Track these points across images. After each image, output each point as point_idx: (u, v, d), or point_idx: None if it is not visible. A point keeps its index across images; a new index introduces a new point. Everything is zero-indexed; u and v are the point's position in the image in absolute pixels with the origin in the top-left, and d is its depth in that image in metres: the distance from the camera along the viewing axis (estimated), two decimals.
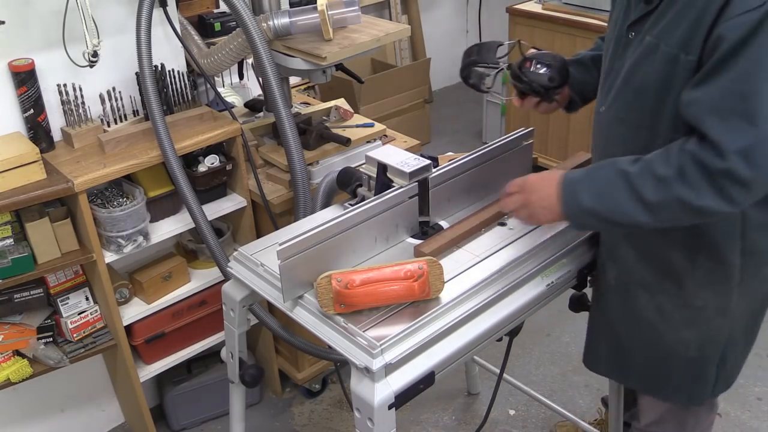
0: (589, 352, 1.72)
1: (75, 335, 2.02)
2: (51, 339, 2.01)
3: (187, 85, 2.17)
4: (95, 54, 1.90)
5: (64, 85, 1.96)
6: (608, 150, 1.46)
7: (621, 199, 1.29)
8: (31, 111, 1.91)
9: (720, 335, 1.49)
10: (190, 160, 2.13)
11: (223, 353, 1.80)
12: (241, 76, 2.47)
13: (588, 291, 1.72)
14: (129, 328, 2.11)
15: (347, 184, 1.79)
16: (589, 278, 1.68)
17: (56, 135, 2.02)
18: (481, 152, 1.73)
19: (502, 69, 1.65)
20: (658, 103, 1.33)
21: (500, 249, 1.59)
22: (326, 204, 1.91)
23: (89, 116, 2.03)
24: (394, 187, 1.60)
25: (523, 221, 1.52)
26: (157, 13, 2.02)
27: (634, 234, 1.48)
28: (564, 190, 1.37)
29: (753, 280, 1.45)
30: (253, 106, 2.49)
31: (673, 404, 1.64)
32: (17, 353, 1.97)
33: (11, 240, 1.84)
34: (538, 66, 1.61)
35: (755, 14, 1.16)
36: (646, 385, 1.64)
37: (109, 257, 1.98)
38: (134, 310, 2.12)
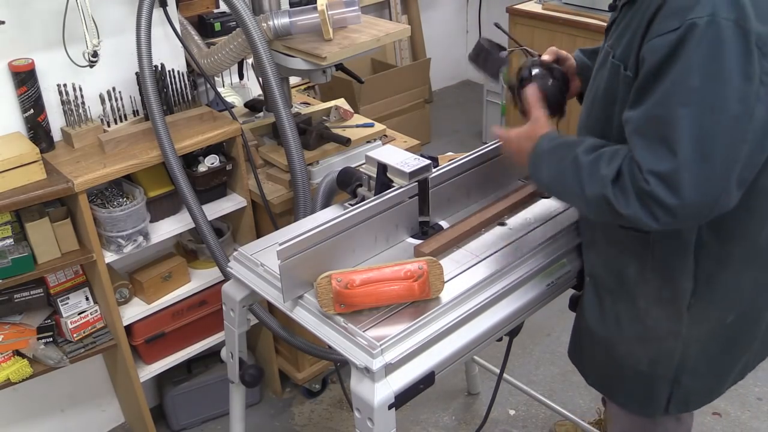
0: (571, 343, 1.72)
1: (75, 335, 2.02)
2: (51, 339, 2.01)
3: (187, 85, 2.17)
4: (95, 54, 1.90)
5: (64, 85, 1.96)
6: None
7: (569, 185, 1.31)
8: (31, 111, 1.91)
9: (671, 355, 1.45)
10: (190, 160, 2.13)
11: (223, 353, 1.80)
12: (241, 76, 2.47)
13: None
14: (129, 328, 2.11)
15: (347, 184, 1.79)
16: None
17: (56, 135, 2.02)
18: (481, 152, 1.73)
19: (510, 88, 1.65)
20: (606, 113, 1.33)
21: (500, 249, 1.59)
22: (326, 204, 1.91)
23: (89, 116, 2.03)
24: (394, 187, 1.60)
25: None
26: (157, 13, 2.02)
27: (599, 241, 1.48)
28: (531, 159, 1.41)
29: (707, 307, 1.40)
30: (253, 106, 2.49)
31: (626, 412, 1.61)
32: (17, 353, 1.97)
33: (11, 240, 1.84)
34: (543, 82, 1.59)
35: (672, 36, 1.13)
36: (602, 386, 1.64)
37: (109, 257, 1.98)
38: (134, 310, 2.12)
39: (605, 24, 1.46)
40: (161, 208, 2.12)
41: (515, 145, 1.48)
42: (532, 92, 1.50)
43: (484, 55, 1.68)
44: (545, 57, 1.63)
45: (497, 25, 1.86)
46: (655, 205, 1.17)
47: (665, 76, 1.15)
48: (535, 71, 1.59)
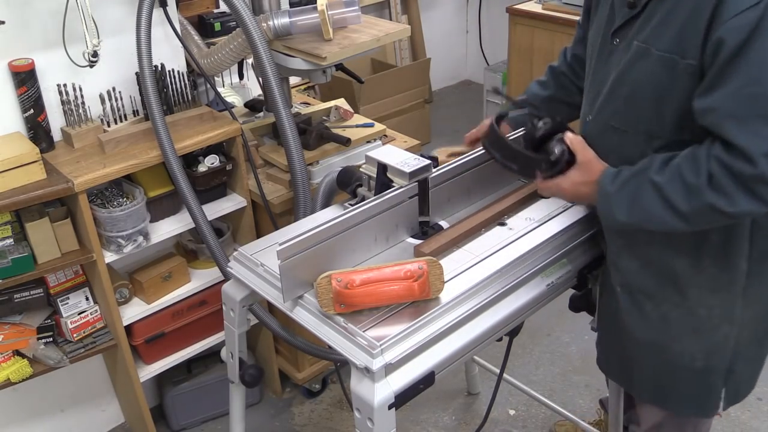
0: (601, 354, 1.70)
1: (75, 335, 2.02)
2: (51, 339, 2.01)
3: (187, 85, 2.17)
4: (95, 54, 1.90)
5: (64, 85, 1.96)
6: (601, 157, 1.44)
7: (656, 212, 1.29)
8: (31, 111, 1.91)
9: (726, 344, 1.46)
10: (190, 160, 2.13)
11: (223, 353, 1.80)
12: (241, 76, 2.47)
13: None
14: (129, 328, 2.11)
15: (347, 184, 1.79)
16: (589, 277, 1.67)
17: (56, 135, 2.02)
18: (481, 152, 1.73)
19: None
20: (655, 109, 1.31)
21: (500, 249, 1.58)
22: (326, 204, 1.91)
23: (89, 116, 2.03)
24: (394, 187, 1.60)
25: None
26: (157, 13, 2.02)
27: (635, 243, 1.46)
28: (601, 205, 1.39)
29: (759, 286, 1.43)
30: (253, 106, 2.49)
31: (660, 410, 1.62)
32: (17, 353, 1.97)
33: (11, 240, 1.84)
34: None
35: (753, 13, 1.13)
36: (653, 395, 1.61)
37: (109, 257, 1.98)
38: (134, 310, 2.12)
39: None
40: (161, 208, 2.12)
41: (571, 193, 1.47)
42: (573, 137, 1.45)
43: (521, 160, 1.52)
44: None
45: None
46: (763, 187, 1.17)
47: (750, 53, 1.14)
48: (558, 149, 1.47)
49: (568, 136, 1.46)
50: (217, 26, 2.41)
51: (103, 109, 2.06)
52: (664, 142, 1.33)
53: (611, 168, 1.39)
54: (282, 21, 2.05)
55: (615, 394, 1.87)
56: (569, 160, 1.46)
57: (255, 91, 2.62)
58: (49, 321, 2.02)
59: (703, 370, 1.49)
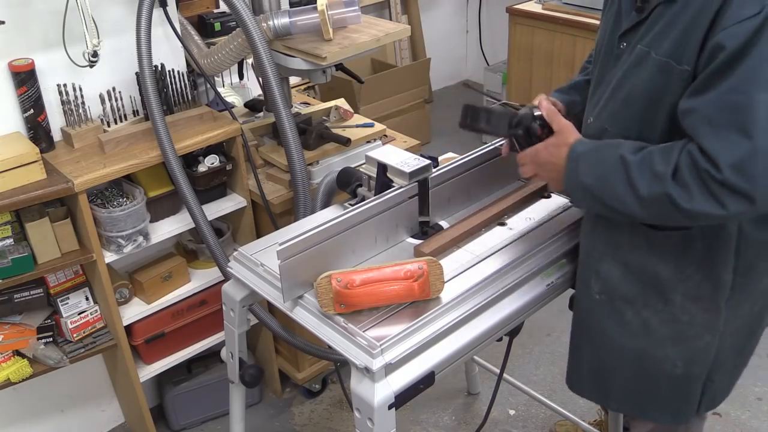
0: (571, 372, 1.67)
1: (75, 335, 2.02)
2: (51, 339, 2.01)
3: (187, 85, 2.17)
4: (95, 54, 1.90)
5: (64, 85, 1.96)
6: None
7: (617, 186, 1.27)
8: (31, 111, 1.91)
9: (707, 352, 1.45)
10: (190, 160, 2.13)
11: (223, 353, 1.80)
12: (241, 76, 2.47)
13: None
14: (129, 328, 2.11)
15: (347, 184, 1.79)
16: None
17: (56, 135, 2.02)
18: (481, 152, 1.73)
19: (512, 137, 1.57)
20: (648, 113, 1.31)
21: (500, 249, 1.59)
22: (326, 204, 1.91)
23: (89, 116, 2.04)
24: (394, 187, 1.60)
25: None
26: (157, 13, 2.02)
27: (618, 249, 1.45)
28: (568, 164, 1.36)
29: (744, 300, 1.41)
30: (253, 106, 2.49)
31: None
32: (17, 353, 1.97)
33: (11, 240, 1.84)
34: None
35: (752, 22, 1.13)
36: (628, 406, 1.60)
37: (109, 257, 1.98)
38: (134, 310, 2.12)
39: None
40: (161, 208, 2.12)
41: (544, 155, 1.43)
42: (546, 105, 1.47)
43: (486, 116, 1.59)
44: (537, 102, 1.57)
45: (467, 83, 1.79)
46: (726, 193, 1.16)
47: (743, 62, 1.14)
48: (537, 113, 1.51)
49: (543, 106, 1.48)
50: (217, 26, 2.41)
51: (103, 109, 2.06)
52: None
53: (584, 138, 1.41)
54: (282, 21, 2.05)
55: None
56: (545, 132, 1.47)
57: (255, 91, 2.62)
58: (49, 321, 2.02)
59: (682, 378, 1.47)
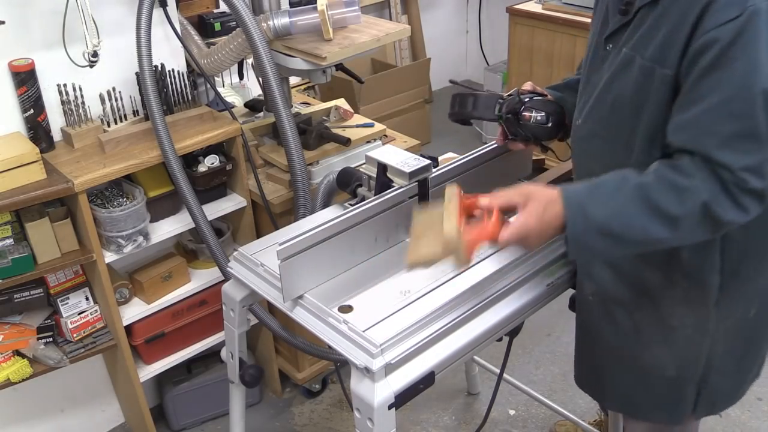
0: (576, 369, 1.68)
1: (75, 335, 2.02)
2: (51, 339, 2.01)
3: (187, 85, 2.17)
4: (95, 54, 1.90)
5: (64, 85, 1.96)
6: (585, 163, 1.42)
7: (637, 214, 1.19)
8: (31, 111, 1.91)
9: (699, 355, 1.44)
10: (190, 160, 2.13)
11: (223, 353, 1.80)
12: (241, 76, 2.47)
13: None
14: (129, 328, 2.11)
15: (347, 184, 1.79)
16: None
17: (56, 135, 2.02)
18: (481, 152, 1.73)
19: (501, 119, 1.58)
20: (633, 118, 1.29)
21: (500, 249, 1.58)
22: (326, 204, 1.91)
23: (89, 116, 2.04)
24: (394, 187, 1.60)
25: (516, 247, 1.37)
26: (157, 13, 2.02)
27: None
28: (569, 208, 1.24)
29: (732, 300, 1.40)
30: (253, 106, 2.49)
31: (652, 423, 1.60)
32: (17, 353, 1.97)
33: (11, 240, 1.84)
34: (538, 117, 1.54)
35: (732, 25, 1.11)
36: (622, 405, 1.60)
37: (109, 257, 1.98)
38: (134, 310, 2.12)
39: None
40: (161, 208, 2.12)
41: (534, 226, 1.25)
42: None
43: (473, 100, 1.60)
44: (526, 87, 1.59)
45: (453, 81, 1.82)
46: (749, 199, 1.16)
47: (730, 66, 1.12)
48: (527, 98, 1.53)
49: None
50: (217, 26, 2.41)
51: (103, 109, 2.06)
52: (636, 156, 1.30)
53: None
54: (282, 21, 2.05)
55: None
56: (532, 114, 1.48)
57: (255, 91, 2.62)
58: (49, 321, 2.02)
59: (674, 379, 1.47)
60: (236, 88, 2.61)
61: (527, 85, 1.61)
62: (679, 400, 1.50)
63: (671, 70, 1.21)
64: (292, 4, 2.29)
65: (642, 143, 1.29)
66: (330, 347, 1.39)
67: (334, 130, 2.24)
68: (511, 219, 1.30)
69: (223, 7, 2.44)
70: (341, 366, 2.13)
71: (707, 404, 1.51)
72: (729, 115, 1.14)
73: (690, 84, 1.18)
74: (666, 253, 1.35)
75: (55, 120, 2.00)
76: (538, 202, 1.25)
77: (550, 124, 1.55)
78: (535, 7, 3.60)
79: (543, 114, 1.55)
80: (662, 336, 1.44)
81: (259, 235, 2.25)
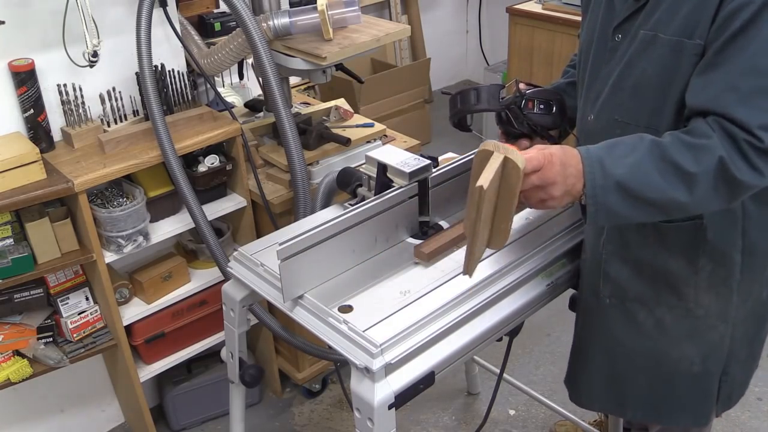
0: (579, 385, 1.63)
1: (75, 335, 2.02)
2: (51, 339, 2.01)
3: (187, 85, 2.17)
4: (95, 54, 1.90)
5: (64, 85, 1.96)
6: None
7: (654, 171, 1.18)
8: (31, 111, 1.91)
9: (722, 344, 1.45)
10: (190, 160, 2.13)
11: (223, 353, 1.80)
12: (241, 76, 2.47)
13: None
14: (129, 328, 2.12)
15: (347, 184, 1.79)
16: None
17: (56, 135, 2.02)
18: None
19: (504, 111, 1.57)
20: (659, 98, 1.29)
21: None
22: (326, 204, 1.91)
23: (89, 116, 2.04)
24: (394, 187, 1.60)
25: (535, 207, 1.31)
26: (157, 13, 2.02)
27: (627, 248, 1.43)
28: (588, 164, 1.22)
29: (752, 281, 1.42)
30: (253, 106, 2.49)
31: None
32: (17, 353, 1.97)
33: (11, 240, 1.84)
34: (541, 107, 1.54)
35: None
36: (646, 413, 1.56)
37: (109, 257, 1.98)
38: (134, 310, 2.12)
39: None
40: (161, 208, 2.12)
41: (557, 161, 1.23)
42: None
43: (475, 93, 1.60)
44: (521, 86, 1.59)
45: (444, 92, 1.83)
46: (762, 158, 1.15)
47: (759, 27, 1.13)
48: (530, 90, 1.53)
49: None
50: (217, 26, 2.41)
51: (103, 109, 2.06)
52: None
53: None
54: (282, 21, 2.05)
55: None
56: (535, 106, 1.48)
57: (255, 91, 2.62)
58: (49, 321, 2.02)
59: (700, 375, 1.47)
60: (236, 88, 2.61)
61: (521, 85, 1.61)
62: (704, 398, 1.50)
63: (702, 39, 1.21)
64: (292, 4, 2.29)
65: (669, 122, 1.29)
66: (330, 347, 1.39)
67: (334, 130, 2.24)
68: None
69: (223, 7, 2.44)
70: (341, 366, 2.13)
71: (725, 398, 1.52)
72: (752, 71, 1.15)
73: (716, 48, 1.18)
74: (690, 235, 1.36)
75: (55, 120, 2.00)
76: (558, 159, 1.23)
77: (554, 110, 1.55)
78: (535, 7, 3.60)
79: (545, 101, 1.55)
80: (686, 329, 1.44)
81: (259, 235, 2.25)
